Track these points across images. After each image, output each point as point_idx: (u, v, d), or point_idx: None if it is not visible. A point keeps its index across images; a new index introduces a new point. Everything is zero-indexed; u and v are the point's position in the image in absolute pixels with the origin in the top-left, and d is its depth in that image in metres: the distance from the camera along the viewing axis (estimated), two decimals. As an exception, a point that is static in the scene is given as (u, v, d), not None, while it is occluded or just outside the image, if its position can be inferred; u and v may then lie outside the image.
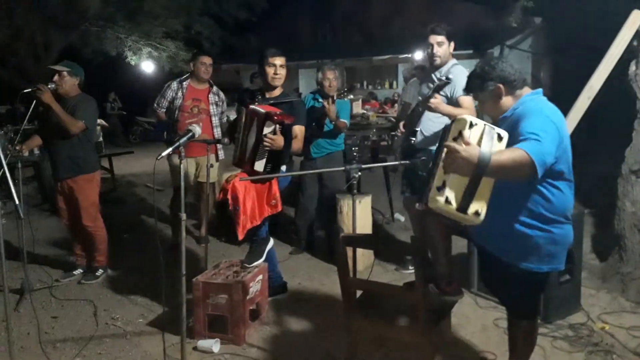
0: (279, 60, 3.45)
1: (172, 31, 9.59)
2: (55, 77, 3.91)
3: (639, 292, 3.50)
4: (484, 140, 1.93)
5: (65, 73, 3.92)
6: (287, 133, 3.21)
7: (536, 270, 2.17)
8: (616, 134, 3.99)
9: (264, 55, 3.46)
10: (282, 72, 3.48)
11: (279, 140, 3.14)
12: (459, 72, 3.52)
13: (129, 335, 3.28)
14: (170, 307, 3.37)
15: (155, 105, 4.78)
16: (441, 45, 3.54)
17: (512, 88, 2.24)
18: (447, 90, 3.49)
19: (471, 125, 1.93)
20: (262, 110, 3.15)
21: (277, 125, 3.12)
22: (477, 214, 1.96)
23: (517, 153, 1.91)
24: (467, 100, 3.47)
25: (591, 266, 3.96)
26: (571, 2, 4.98)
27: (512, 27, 7.41)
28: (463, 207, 1.93)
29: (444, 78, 3.22)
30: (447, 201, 1.93)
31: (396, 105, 10.54)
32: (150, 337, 3.23)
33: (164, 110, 4.75)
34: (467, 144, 1.89)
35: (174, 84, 4.70)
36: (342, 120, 4.38)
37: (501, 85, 2.23)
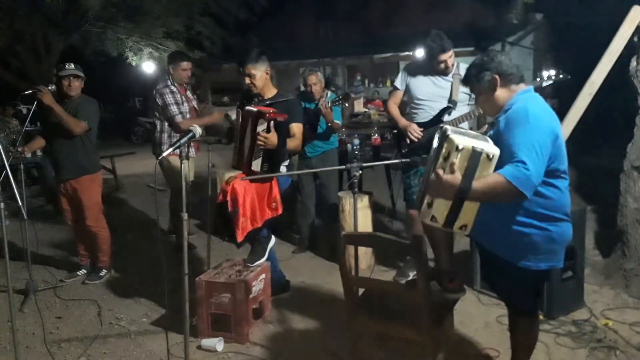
0: (247, 70, 3.38)
1: (172, 31, 9.62)
2: (77, 83, 3.94)
3: (642, 287, 3.50)
4: (469, 166, 1.93)
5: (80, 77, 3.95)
6: (280, 131, 3.18)
7: (535, 268, 2.16)
8: (619, 129, 3.99)
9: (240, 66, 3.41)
10: (255, 79, 3.39)
11: (273, 138, 3.11)
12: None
13: (133, 334, 3.30)
14: (173, 306, 3.38)
15: (178, 115, 4.48)
16: (451, 57, 3.69)
17: (507, 81, 2.21)
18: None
19: (458, 149, 1.93)
20: (254, 109, 3.15)
21: (270, 123, 3.09)
22: (463, 228, 2.05)
23: (499, 181, 1.92)
24: None
25: (594, 262, 3.96)
26: (571, -2, 5.00)
27: (513, 24, 7.38)
28: (447, 225, 2.03)
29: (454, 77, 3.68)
30: (433, 219, 2.04)
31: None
32: (154, 337, 3.25)
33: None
34: (453, 170, 1.91)
35: (173, 89, 4.57)
36: (336, 121, 4.48)
37: (497, 76, 2.21)
